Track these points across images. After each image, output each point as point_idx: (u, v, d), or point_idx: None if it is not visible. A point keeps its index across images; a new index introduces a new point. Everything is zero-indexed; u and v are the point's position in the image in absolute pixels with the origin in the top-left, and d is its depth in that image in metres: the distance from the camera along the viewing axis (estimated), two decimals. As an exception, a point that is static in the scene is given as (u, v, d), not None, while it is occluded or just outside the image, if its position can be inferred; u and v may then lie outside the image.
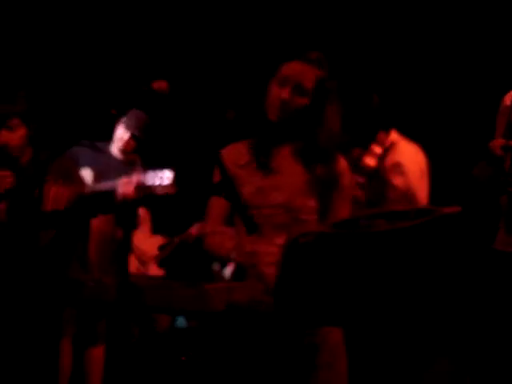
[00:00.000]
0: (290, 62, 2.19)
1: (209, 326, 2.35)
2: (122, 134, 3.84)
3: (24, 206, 3.11)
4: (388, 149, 3.09)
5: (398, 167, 3.03)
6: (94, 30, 4.80)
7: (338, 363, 2.18)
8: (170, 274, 4.49)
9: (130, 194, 3.43)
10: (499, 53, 4.35)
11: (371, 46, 4.68)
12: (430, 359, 2.69)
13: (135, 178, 3.49)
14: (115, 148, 3.89)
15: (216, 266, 4.34)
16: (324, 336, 2.14)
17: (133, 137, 3.82)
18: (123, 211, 2.70)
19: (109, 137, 3.90)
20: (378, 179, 3.03)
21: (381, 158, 3.06)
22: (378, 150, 3.08)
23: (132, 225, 3.93)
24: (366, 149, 3.05)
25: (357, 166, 2.97)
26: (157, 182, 3.37)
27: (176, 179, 3.34)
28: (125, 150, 3.87)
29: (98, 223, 3.63)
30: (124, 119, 3.79)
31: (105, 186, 3.56)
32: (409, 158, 3.07)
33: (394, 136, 3.14)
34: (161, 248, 4.50)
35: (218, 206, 2.21)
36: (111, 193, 3.47)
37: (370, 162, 3.04)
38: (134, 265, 4.49)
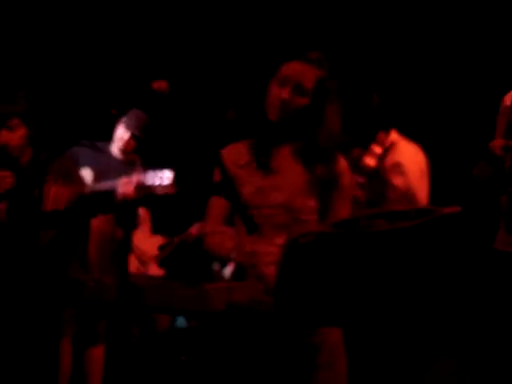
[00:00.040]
0: (290, 62, 2.19)
1: (209, 326, 2.35)
2: (122, 133, 3.84)
3: (24, 206, 3.10)
4: (388, 149, 3.09)
5: (398, 167, 3.03)
6: (94, 30, 4.80)
7: (337, 363, 2.18)
8: (170, 274, 4.49)
9: (129, 194, 3.43)
10: (499, 53, 4.35)
11: (371, 46, 4.68)
12: (430, 359, 2.69)
13: (135, 178, 3.49)
14: (115, 148, 3.89)
15: (216, 266, 4.34)
16: (323, 336, 2.14)
17: (133, 137, 3.82)
18: (123, 211, 2.70)
19: (109, 137, 3.90)
20: (378, 179, 3.03)
21: (381, 158, 3.06)
22: (378, 149, 3.08)
23: (132, 225, 3.93)
24: (365, 149, 3.05)
25: (357, 166, 2.97)
26: (157, 182, 3.37)
27: (176, 179, 3.34)
28: (125, 150, 3.87)
29: (98, 223, 3.63)
30: (124, 119, 3.79)
31: (105, 185, 3.56)
32: (409, 158, 3.07)
33: (393, 136, 3.14)
34: (161, 248, 4.50)
35: (218, 205, 2.21)
36: (111, 193, 3.47)
37: (370, 162, 3.04)
38: (133, 265, 4.49)
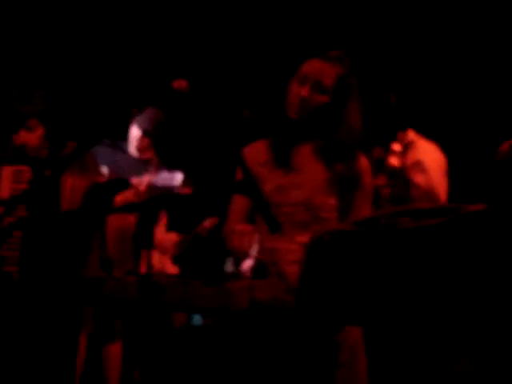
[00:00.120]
0: (310, 60, 2.19)
1: (228, 324, 2.35)
2: (134, 132, 3.85)
3: (42, 203, 3.12)
4: (407, 147, 3.09)
5: (418, 165, 3.03)
6: (114, 29, 4.81)
7: (358, 362, 2.19)
8: (184, 271, 4.50)
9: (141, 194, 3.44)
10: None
11: (387, 46, 4.66)
12: (451, 359, 2.69)
13: (146, 179, 3.50)
14: (131, 147, 3.90)
15: (231, 263, 4.34)
16: (344, 335, 2.14)
17: (145, 134, 3.82)
18: (146, 209, 2.71)
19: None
20: (401, 178, 3.03)
21: (402, 157, 3.07)
22: (399, 149, 3.08)
23: (154, 222, 3.93)
24: (385, 148, 3.05)
25: (379, 166, 2.98)
26: (167, 183, 3.38)
27: (194, 178, 3.36)
28: (140, 149, 3.88)
29: (117, 220, 3.64)
30: (137, 118, 3.80)
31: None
32: (429, 156, 3.08)
33: (411, 135, 3.15)
34: (176, 244, 4.51)
35: (239, 204, 2.22)
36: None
37: (394, 161, 3.04)
38: (154, 261, 4.50)
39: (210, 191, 2.21)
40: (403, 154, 3.09)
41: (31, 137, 3.37)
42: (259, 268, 2.16)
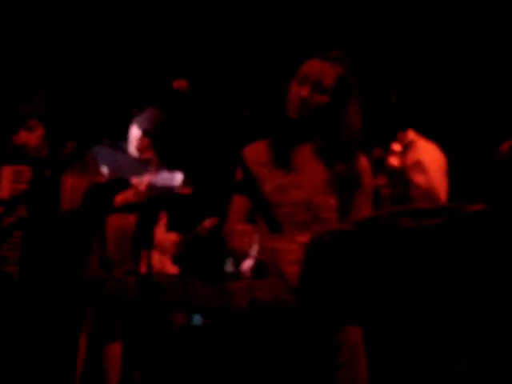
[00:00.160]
0: (310, 60, 2.19)
1: (228, 324, 2.35)
2: (134, 132, 3.85)
3: (42, 203, 3.12)
4: (407, 147, 3.10)
5: (418, 165, 3.04)
6: (114, 30, 4.81)
7: (358, 362, 2.19)
8: (184, 270, 4.50)
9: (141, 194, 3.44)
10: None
11: (387, 47, 4.66)
12: (451, 359, 2.69)
13: (146, 179, 3.50)
14: (131, 147, 3.90)
15: (231, 263, 4.34)
16: (344, 335, 2.14)
17: (145, 134, 3.82)
18: (146, 209, 2.71)
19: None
20: (401, 178, 3.03)
21: (402, 157, 3.07)
22: (399, 149, 3.08)
23: (154, 222, 3.93)
24: (386, 148, 3.05)
25: (379, 166, 2.98)
26: (167, 183, 3.38)
27: (194, 178, 3.36)
28: (140, 149, 3.87)
29: (116, 220, 3.64)
30: (136, 118, 3.80)
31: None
32: (429, 156, 3.08)
33: (411, 135, 3.15)
34: (176, 244, 4.51)
35: (239, 204, 2.22)
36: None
37: (395, 161, 3.04)
38: (154, 261, 4.50)
39: (209, 191, 2.21)
40: (403, 154, 3.09)
41: (31, 137, 3.37)
42: (259, 268, 2.16)
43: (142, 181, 3.49)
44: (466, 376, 2.68)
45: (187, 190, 3.43)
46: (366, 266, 1.54)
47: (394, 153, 3.05)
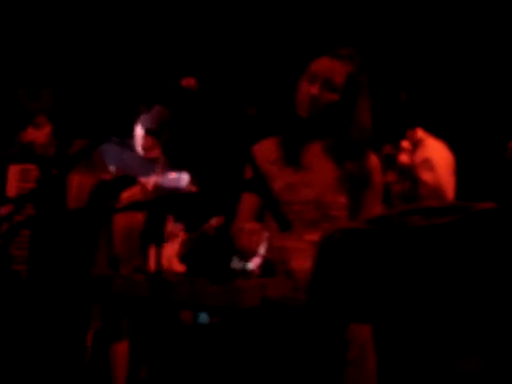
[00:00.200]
0: (319, 58, 2.19)
1: (235, 322, 2.35)
2: (138, 131, 3.84)
3: (50, 202, 3.12)
4: (416, 145, 3.10)
5: (426, 163, 3.04)
6: (123, 27, 4.81)
7: (367, 359, 2.19)
8: (191, 269, 4.51)
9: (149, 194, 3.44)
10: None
11: (397, 44, 4.65)
12: (460, 357, 2.69)
13: (152, 180, 3.50)
14: (137, 146, 3.90)
15: (237, 261, 4.33)
16: (354, 332, 2.14)
17: (147, 132, 3.81)
18: (152, 208, 2.71)
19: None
20: (410, 175, 3.03)
21: (410, 155, 3.07)
22: (408, 146, 3.08)
23: (164, 219, 3.93)
24: (395, 145, 3.05)
25: (389, 162, 2.98)
26: (174, 184, 3.38)
27: (202, 177, 3.35)
28: (145, 147, 3.87)
29: (124, 218, 3.63)
30: (141, 116, 3.79)
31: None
32: (437, 154, 3.08)
33: (420, 133, 3.15)
34: (183, 243, 4.51)
35: (249, 202, 2.22)
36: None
37: (405, 159, 3.04)
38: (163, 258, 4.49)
39: (216, 190, 2.21)
40: (412, 151, 3.09)
41: (39, 134, 3.37)
42: (267, 266, 2.16)
43: (149, 181, 3.48)
44: (475, 374, 2.67)
45: (193, 189, 3.43)
46: (377, 264, 1.54)
47: (404, 150, 3.04)
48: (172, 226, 4.39)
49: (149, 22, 4.84)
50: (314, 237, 1.95)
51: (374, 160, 2.21)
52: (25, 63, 4.18)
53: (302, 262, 2.00)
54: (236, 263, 2.36)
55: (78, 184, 3.24)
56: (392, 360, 2.74)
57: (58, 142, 3.39)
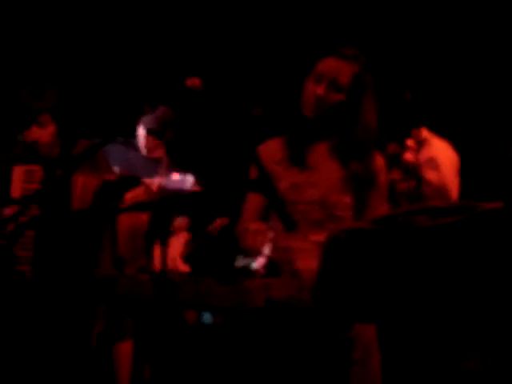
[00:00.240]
0: (325, 59, 2.19)
1: (239, 322, 2.35)
2: (140, 131, 3.84)
3: (54, 203, 3.12)
4: (421, 145, 3.10)
5: (431, 162, 3.04)
6: (128, 27, 4.82)
7: (371, 359, 2.18)
8: (195, 269, 4.51)
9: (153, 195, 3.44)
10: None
11: (403, 44, 4.65)
12: (461, 357, 2.68)
13: (157, 181, 3.50)
14: (140, 146, 3.90)
15: (241, 261, 4.33)
16: (358, 332, 2.14)
17: (148, 132, 3.81)
18: (156, 209, 2.71)
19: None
20: (414, 175, 3.03)
21: (416, 153, 3.08)
22: (413, 145, 3.09)
23: (169, 220, 3.93)
24: (401, 144, 3.05)
25: (394, 161, 2.98)
26: (178, 186, 3.37)
27: (207, 177, 3.35)
28: (147, 148, 3.87)
29: (128, 218, 3.64)
30: (143, 116, 3.79)
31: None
32: (442, 153, 3.09)
33: (425, 133, 3.15)
34: (187, 244, 4.52)
35: (254, 202, 2.22)
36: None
37: (410, 157, 3.05)
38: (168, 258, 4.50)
39: (221, 190, 2.21)
40: (417, 150, 3.09)
41: (43, 133, 3.37)
42: (272, 266, 2.15)
43: (153, 182, 3.48)
44: (476, 374, 2.67)
45: (197, 189, 3.43)
46: (383, 264, 1.54)
47: (409, 148, 3.05)
48: (178, 220, 4.39)
49: (154, 23, 4.84)
50: (319, 237, 1.95)
51: (379, 160, 2.21)
52: (29, 63, 4.18)
53: (307, 262, 2.00)
54: (240, 263, 2.37)
55: (83, 185, 3.24)
56: (397, 360, 2.74)
57: (63, 143, 3.39)
